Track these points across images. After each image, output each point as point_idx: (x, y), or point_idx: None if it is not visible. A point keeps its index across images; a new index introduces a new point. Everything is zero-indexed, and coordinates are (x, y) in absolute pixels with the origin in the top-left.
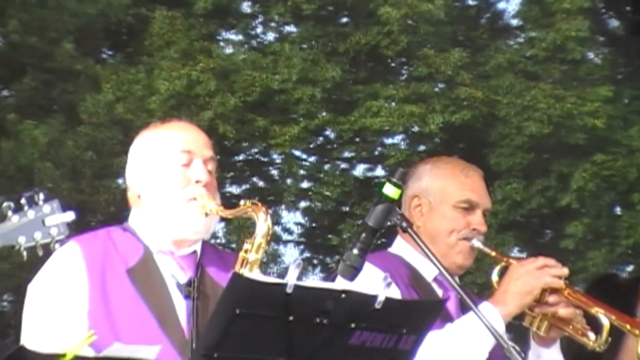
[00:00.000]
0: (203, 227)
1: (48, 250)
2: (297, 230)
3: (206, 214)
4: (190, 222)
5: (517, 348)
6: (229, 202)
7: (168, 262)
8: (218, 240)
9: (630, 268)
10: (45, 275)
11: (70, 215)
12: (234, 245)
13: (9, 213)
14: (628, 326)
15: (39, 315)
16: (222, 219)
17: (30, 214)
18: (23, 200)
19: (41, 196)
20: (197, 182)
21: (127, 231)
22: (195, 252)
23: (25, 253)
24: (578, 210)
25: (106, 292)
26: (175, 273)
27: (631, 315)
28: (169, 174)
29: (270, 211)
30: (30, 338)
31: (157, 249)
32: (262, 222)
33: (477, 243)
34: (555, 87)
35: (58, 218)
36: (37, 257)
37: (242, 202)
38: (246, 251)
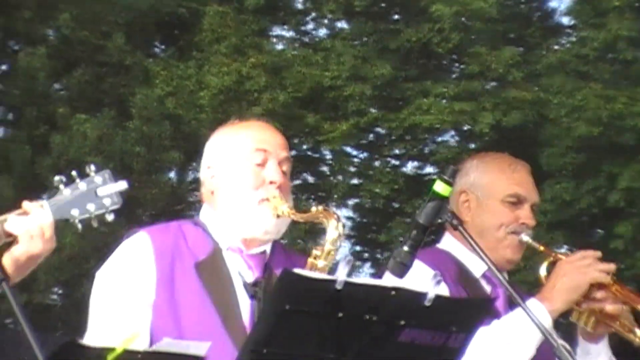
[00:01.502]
0: (273, 228)
1: (102, 220)
2: (347, 224)
3: (278, 216)
4: (261, 223)
5: (567, 346)
6: None
7: (236, 260)
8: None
9: None
10: (114, 263)
11: (122, 185)
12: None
13: (61, 186)
14: None
15: (105, 304)
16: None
17: (82, 185)
18: (74, 173)
19: (92, 167)
20: (271, 182)
21: (198, 226)
22: (264, 252)
23: (80, 225)
24: (627, 210)
25: (173, 284)
26: (242, 271)
27: None
28: (243, 173)
29: (342, 220)
30: (95, 326)
31: (227, 246)
32: (333, 229)
33: (525, 237)
34: (605, 87)
35: (111, 188)
36: (85, 251)
37: (313, 207)
38: (315, 257)
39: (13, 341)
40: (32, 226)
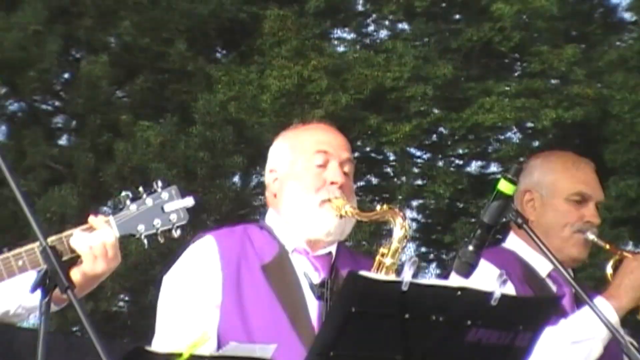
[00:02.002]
0: (337, 229)
1: (169, 236)
2: (412, 225)
3: (341, 216)
4: (324, 224)
5: (635, 343)
6: None
7: (302, 262)
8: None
9: None
10: (180, 267)
11: (189, 201)
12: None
13: (127, 202)
14: None
15: (172, 307)
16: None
17: (149, 201)
18: (141, 189)
19: (159, 183)
20: (332, 183)
21: (263, 229)
22: (330, 253)
23: (146, 241)
24: None
25: (240, 286)
26: (309, 273)
27: None
28: (304, 175)
29: (407, 218)
30: (163, 330)
31: (293, 248)
32: (399, 228)
33: (591, 235)
34: None
35: (177, 204)
36: (151, 258)
37: (377, 206)
38: (383, 255)
39: (80, 348)
40: (96, 244)
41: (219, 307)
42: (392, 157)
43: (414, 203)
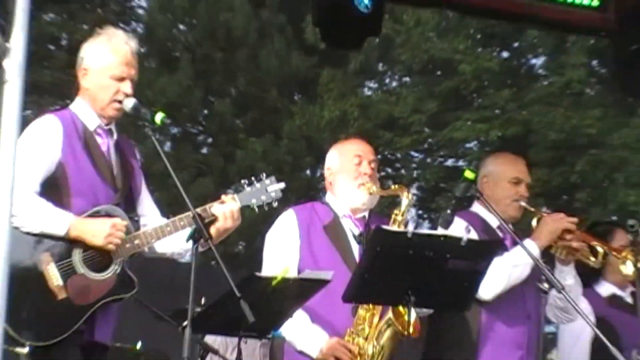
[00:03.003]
0: (368, 201)
1: (270, 207)
2: (413, 198)
3: (370, 194)
4: (360, 199)
5: (547, 267)
6: None
7: (348, 222)
8: None
9: None
10: (275, 229)
11: (282, 185)
12: None
13: (245, 185)
14: (614, 252)
15: (271, 252)
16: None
17: (258, 185)
18: (252, 178)
19: (264, 175)
20: (364, 174)
21: (324, 204)
22: (364, 216)
23: (256, 209)
24: (583, 184)
25: (310, 238)
26: (352, 229)
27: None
28: (347, 169)
29: (411, 192)
30: (267, 265)
31: (342, 214)
32: (405, 198)
33: (523, 203)
34: (566, 110)
35: (275, 187)
36: (258, 220)
37: (392, 185)
38: (396, 215)
39: (216, 277)
40: (227, 211)
41: (299, 251)
42: (400, 157)
43: (415, 185)
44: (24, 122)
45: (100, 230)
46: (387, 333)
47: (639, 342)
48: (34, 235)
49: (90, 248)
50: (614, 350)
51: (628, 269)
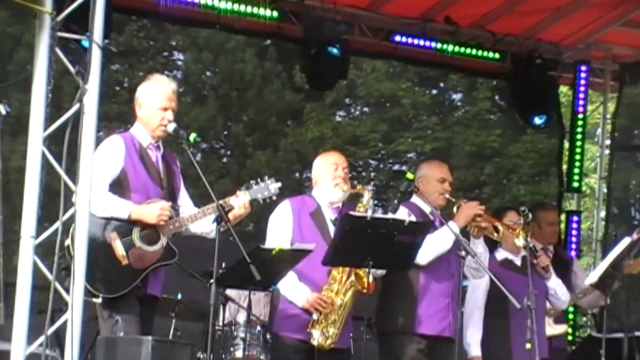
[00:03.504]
0: (342, 196)
1: (271, 200)
2: (373, 192)
3: (343, 191)
4: (336, 195)
5: (465, 240)
6: None
7: (327, 211)
8: None
9: None
10: (276, 214)
11: (279, 184)
12: None
13: (253, 184)
14: (510, 230)
15: (273, 231)
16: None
17: (262, 184)
18: (258, 179)
19: (266, 177)
20: (339, 177)
21: (310, 197)
22: (339, 206)
23: (261, 201)
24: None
25: (300, 221)
26: (330, 215)
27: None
28: (327, 174)
29: (371, 190)
30: (269, 240)
31: (323, 205)
32: (366, 194)
33: (447, 195)
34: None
35: (275, 185)
36: (263, 208)
37: (357, 185)
38: (359, 205)
39: (233, 248)
40: (240, 203)
41: (292, 231)
42: (361, 164)
43: (372, 183)
44: (98, 141)
45: (152, 212)
46: (350, 292)
47: (526, 293)
48: (105, 218)
49: (145, 227)
50: (506, 292)
51: (520, 241)
